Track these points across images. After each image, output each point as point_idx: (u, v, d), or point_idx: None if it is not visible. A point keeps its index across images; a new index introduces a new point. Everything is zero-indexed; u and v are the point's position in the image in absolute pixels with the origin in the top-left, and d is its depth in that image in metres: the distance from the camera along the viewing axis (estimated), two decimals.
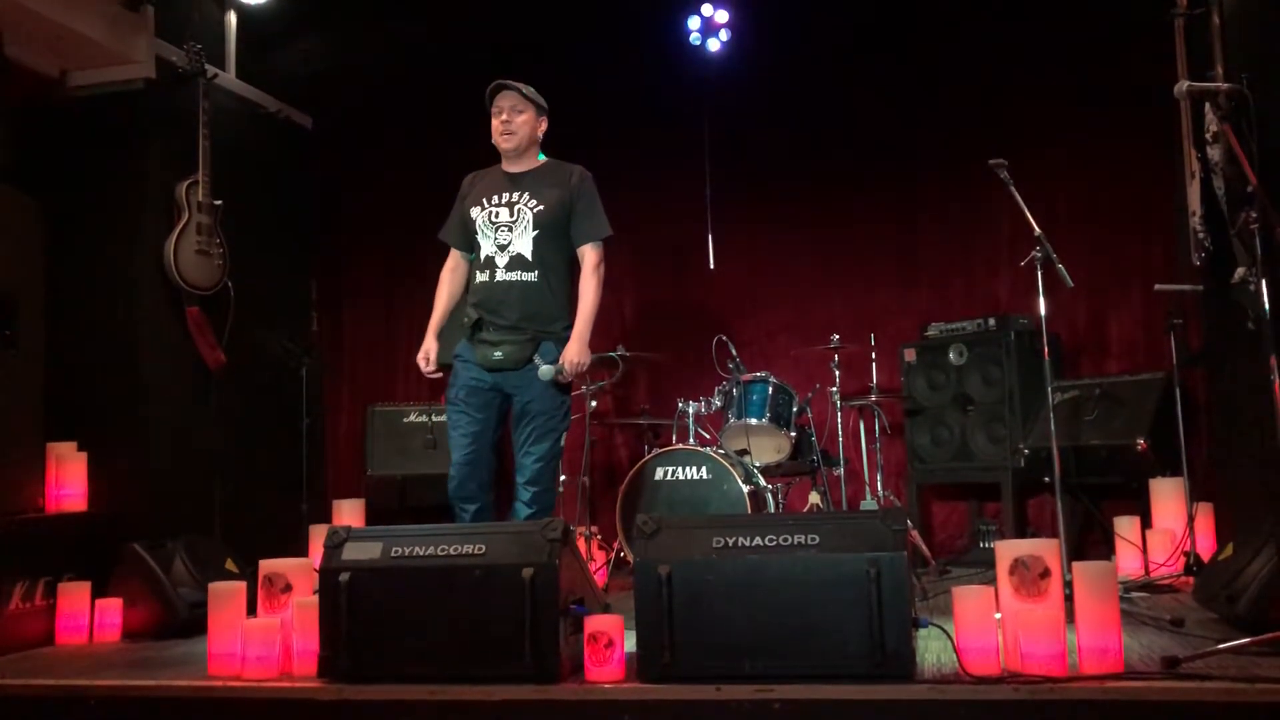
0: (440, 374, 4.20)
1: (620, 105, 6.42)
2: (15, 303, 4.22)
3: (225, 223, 5.14)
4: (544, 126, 4.23)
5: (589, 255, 4.11)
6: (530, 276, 4.02)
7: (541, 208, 4.06)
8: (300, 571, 3.48)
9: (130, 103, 4.96)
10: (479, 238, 4.10)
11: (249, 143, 5.63)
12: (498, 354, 3.99)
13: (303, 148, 6.19)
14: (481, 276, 4.08)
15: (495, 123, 4.11)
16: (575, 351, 3.98)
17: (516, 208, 4.06)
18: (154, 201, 4.97)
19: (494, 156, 4.23)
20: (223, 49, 5.56)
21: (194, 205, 5.00)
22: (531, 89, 4.17)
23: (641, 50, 6.31)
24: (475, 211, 4.11)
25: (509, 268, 4.03)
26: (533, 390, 3.98)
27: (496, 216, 4.07)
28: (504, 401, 4.07)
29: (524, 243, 4.04)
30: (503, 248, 4.04)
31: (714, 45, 6.15)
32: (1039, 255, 4.03)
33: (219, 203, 5.09)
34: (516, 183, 4.12)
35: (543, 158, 4.26)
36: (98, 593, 4.21)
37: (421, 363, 4.19)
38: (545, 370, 3.94)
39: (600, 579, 4.58)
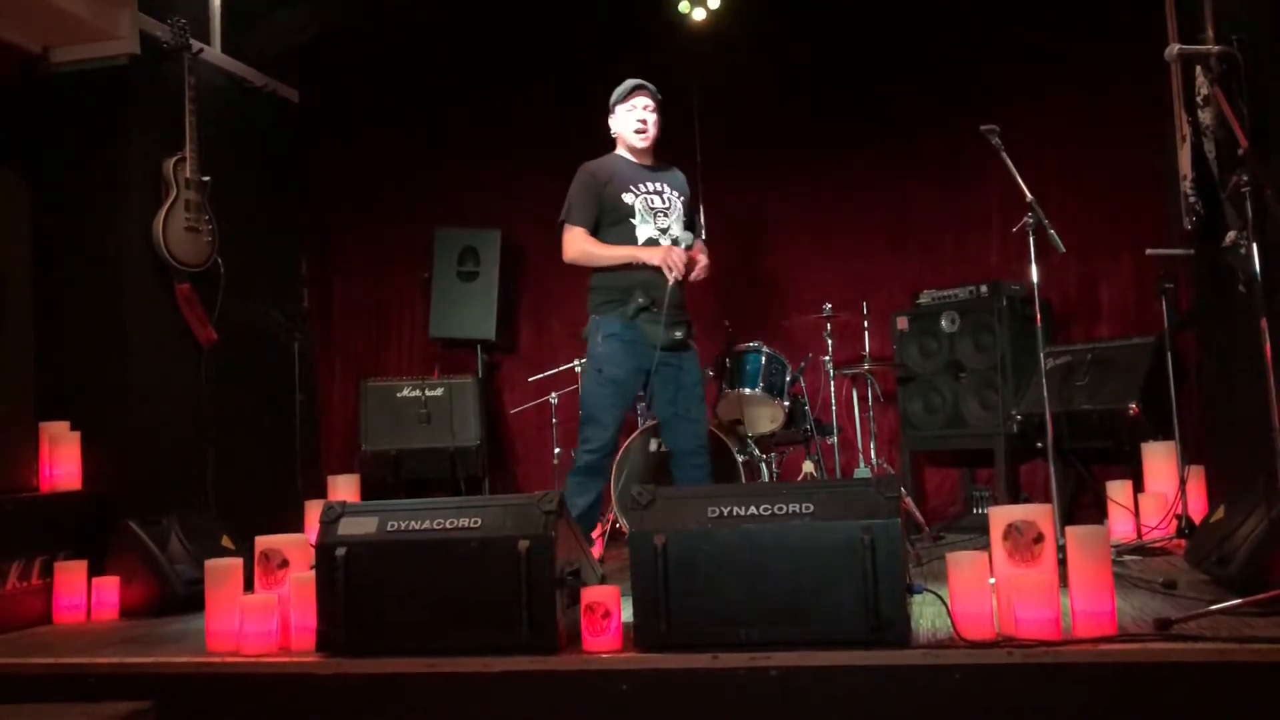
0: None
1: (607, 75, 6.36)
2: (3, 282, 4.20)
3: (214, 198, 5.11)
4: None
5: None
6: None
7: (683, 199, 4.35)
8: (297, 547, 3.48)
9: (115, 79, 4.90)
10: (634, 220, 4.24)
11: (236, 118, 5.58)
12: (679, 333, 4.19)
13: (290, 122, 6.14)
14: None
15: (631, 119, 4.32)
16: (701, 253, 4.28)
17: (665, 196, 4.30)
18: (141, 178, 4.92)
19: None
20: (207, 23, 5.49)
21: (182, 181, 4.97)
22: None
23: (628, 19, 6.26)
24: (628, 197, 4.24)
25: None
26: (692, 365, 4.28)
27: (652, 203, 4.27)
28: (646, 380, 4.25)
29: (678, 229, 4.27)
30: (663, 231, 4.25)
31: (700, 15, 6.10)
32: (1030, 221, 4.02)
33: (207, 179, 5.05)
34: (654, 174, 4.36)
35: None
36: (94, 571, 4.21)
37: (670, 257, 4.10)
38: (686, 236, 4.20)
39: (596, 550, 4.60)
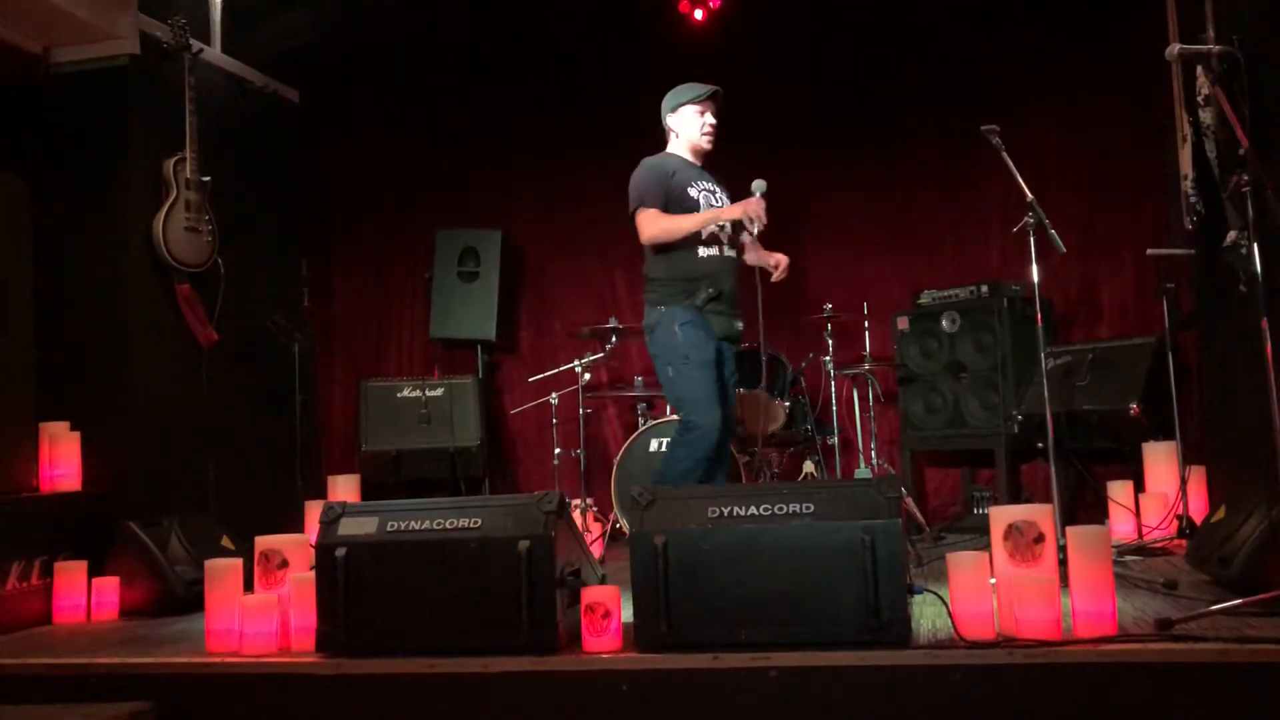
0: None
1: (606, 75, 6.38)
2: (4, 283, 4.20)
3: (214, 199, 5.11)
4: None
5: None
6: (736, 255, 4.37)
7: (730, 199, 4.42)
8: (296, 547, 3.48)
9: (115, 79, 4.90)
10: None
11: (236, 118, 5.58)
12: (739, 324, 4.33)
13: (290, 122, 6.14)
14: (710, 251, 4.29)
15: (703, 122, 4.43)
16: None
17: (718, 195, 4.40)
18: (141, 179, 4.92)
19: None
20: (207, 23, 5.49)
21: (182, 182, 4.97)
22: None
23: (628, 20, 6.26)
24: (693, 191, 4.34)
25: (730, 245, 4.33)
26: (733, 358, 4.38)
27: (710, 200, 4.35)
28: None
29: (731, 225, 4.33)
30: (721, 227, 4.30)
31: (700, 15, 6.10)
32: (1031, 221, 4.02)
33: (207, 179, 5.05)
34: (709, 174, 4.47)
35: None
36: (94, 571, 4.21)
37: (750, 208, 4.16)
38: (760, 184, 4.24)
39: (596, 550, 4.59)
